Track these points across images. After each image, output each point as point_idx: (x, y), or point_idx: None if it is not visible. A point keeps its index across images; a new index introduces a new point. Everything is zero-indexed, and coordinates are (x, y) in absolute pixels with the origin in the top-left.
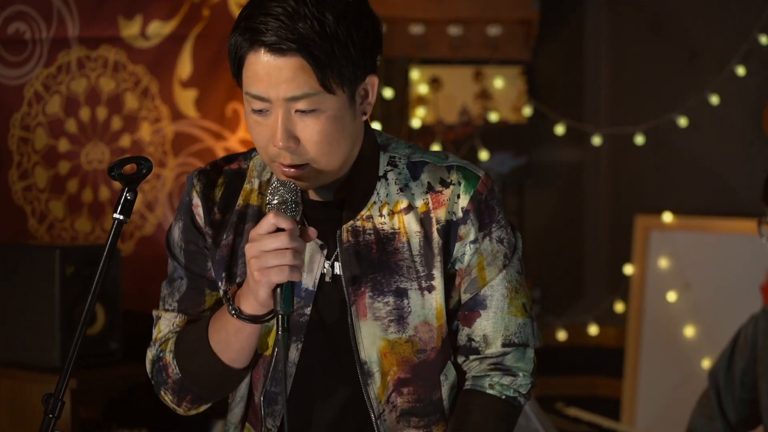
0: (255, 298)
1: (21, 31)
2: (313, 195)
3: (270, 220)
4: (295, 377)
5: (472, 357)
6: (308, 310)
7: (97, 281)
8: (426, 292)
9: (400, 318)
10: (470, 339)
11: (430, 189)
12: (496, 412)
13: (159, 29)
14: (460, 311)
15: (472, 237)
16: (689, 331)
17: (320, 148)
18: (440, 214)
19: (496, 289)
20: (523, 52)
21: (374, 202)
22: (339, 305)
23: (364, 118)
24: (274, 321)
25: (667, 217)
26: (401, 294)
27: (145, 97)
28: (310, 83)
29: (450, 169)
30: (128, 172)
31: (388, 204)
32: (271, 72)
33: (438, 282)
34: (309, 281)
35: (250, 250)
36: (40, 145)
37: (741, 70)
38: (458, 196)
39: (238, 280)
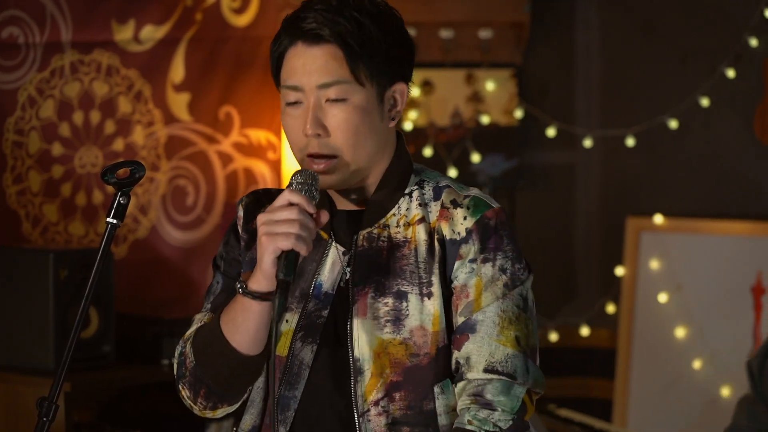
0: (260, 266)
1: (14, 36)
2: (342, 205)
3: (285, 195)
4: (308, 379)
5: (459, 384)
6: (325, 313)
7: (90, 285)
8: (426, 298)
9: (396, 319)
10: (458, 363)
11: (442, 206)
12: None
13: (152, 33)
14: (453, 335)
15: (471, 256)
16: (680, 332)
17: (347, 138)
18: (442, 227)
19: (487, 315)
20: (514, 54)
21: (393, 214)
22: (349, 308)
23: (392, 124)
24: (290, 323)
25: (658, 218)
26: (401, 296)
27: (138, 100)
28: (341, 72)
29: (466, 196)
30: (121, 177)
31: (406, 217)
32: (306, 61)
33: (436, 289)
34: (328, 285)
35: (261, 218)
36: (34, 149)
37: (731, 73)
38: (465, 218)
39: None
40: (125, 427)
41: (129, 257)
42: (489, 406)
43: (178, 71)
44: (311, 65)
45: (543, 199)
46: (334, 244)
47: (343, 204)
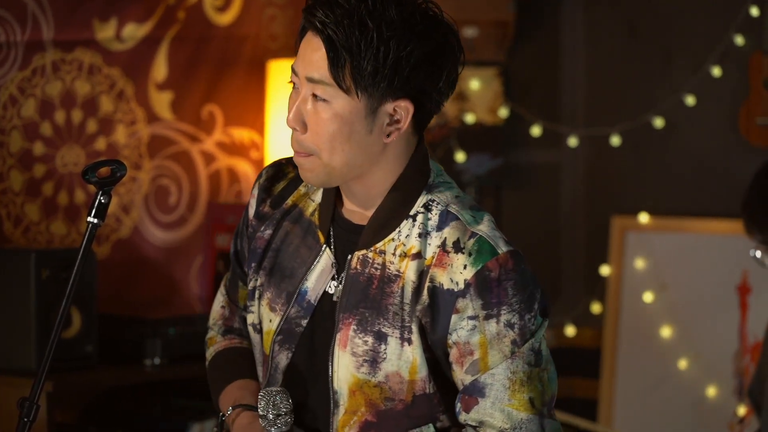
0: None
1: None
2: (347, 212)
3: None
4: (281, 384)
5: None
6: (305, 322)
7: (71, 284)
8: (406, 344)
9: (373, 361)
10: (467, 424)
11: (442, 245)
12: None
13: (134, 32)
14: (461, 393)
15: (470, 312)
16: (666, 332)
17: (319, 139)
18: (438, 275)
19: (497, 378)
20: (499, 53)
21: (392, 239)
22: (329, 325)
23: (388, 140)
24: (273, 323)
25: (644, 218)
26: (381, 338)
27: (121, 99)
28: (327, 74)
29: (473, 235)
30: (102, 176)
31: (404, 246)
32: (306, 50)
33: (416, 337)
34: (313, 294)
35: None
36: (15, 148)
37: (717, 71)
38: (464, 267)
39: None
40: (108, 427)
41: (111, 257)
42: None
43: (160, 70)
44: (309, 55)
45: (528, 198)
46: (327, 250)
47: (348, 212)
